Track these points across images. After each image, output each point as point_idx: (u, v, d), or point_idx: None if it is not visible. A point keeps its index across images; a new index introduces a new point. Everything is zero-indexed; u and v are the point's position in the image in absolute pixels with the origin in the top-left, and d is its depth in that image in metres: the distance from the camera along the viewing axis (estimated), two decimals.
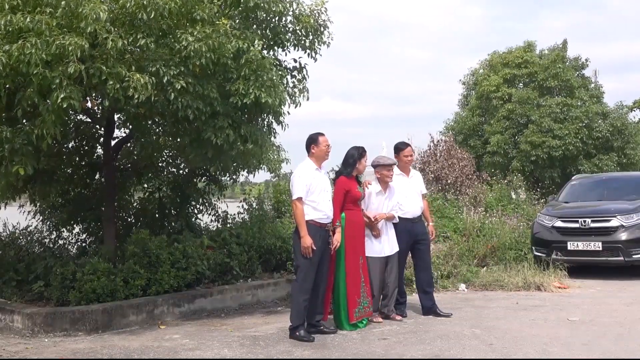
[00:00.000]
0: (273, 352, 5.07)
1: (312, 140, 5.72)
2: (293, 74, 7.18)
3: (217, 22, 5.75)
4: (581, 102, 19.30)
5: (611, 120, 19.14)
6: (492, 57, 21.40)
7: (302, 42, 7.02)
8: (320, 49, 7.13)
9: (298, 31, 6.95)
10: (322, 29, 7.02)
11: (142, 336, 5.73)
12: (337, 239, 5.68)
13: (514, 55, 20.63)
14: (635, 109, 26.63)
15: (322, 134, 5.77)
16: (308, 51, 7.10)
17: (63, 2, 5.21)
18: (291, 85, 7.04)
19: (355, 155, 5.93)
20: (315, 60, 7.18)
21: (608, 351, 4.97)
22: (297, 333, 5.44)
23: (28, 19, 5.05)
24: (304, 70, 7.22)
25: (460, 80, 22.69)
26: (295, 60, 7.23)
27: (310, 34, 6.94)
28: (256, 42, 6.11)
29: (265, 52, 6.92)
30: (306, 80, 7.18)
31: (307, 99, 7.02)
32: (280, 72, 6.54)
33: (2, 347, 5.38)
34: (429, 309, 6.44)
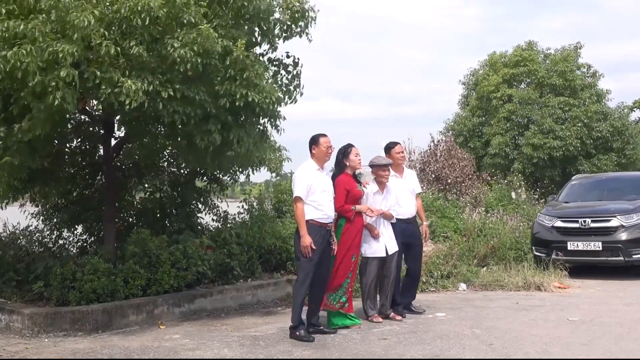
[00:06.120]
0: (273, 352, 5.07)
1: (313, 141, 5.74)
2: (288, 69, 6.96)
3: (201, 25, 5.58)
4: (581, 102, 19.25)
5: (611, 121, 19.11)
6: (492, 56, 21.36)
7: (292, 30, 6.73)
8: (309, 33, 6.79)
9: (287, 20, 6.65)
10: (308, 12, 6.67)
11: (142, 336, 5.73)
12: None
13: (513, 54, 20.59)
14: (635, 109, 26.57)
15: (324, 135, 5.78)
16: (299, 33, 6.77)
17: (53, 11, 5.17)
18: (286, 81, 6.86)
19: (340, 155, 5.97)
20: (310, 41, 6.84)
21: (608, 351, 4.97)
22: (297, 333, 5.45)
23: (22, 26, 5.03)
24: (298, 64, 6.94)
25: (460, 80, 22.70)
26: (288, 56, 6.98)
27: (298, 17, 6.63)
28: (239, 41, 5.92)
29: (258, 48, 6.78)
30: (300, 74, 6.94)
31: (301, 94, 6.87)
32: (271, 68, 6.34)
33: (2, 347, 5.38)
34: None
